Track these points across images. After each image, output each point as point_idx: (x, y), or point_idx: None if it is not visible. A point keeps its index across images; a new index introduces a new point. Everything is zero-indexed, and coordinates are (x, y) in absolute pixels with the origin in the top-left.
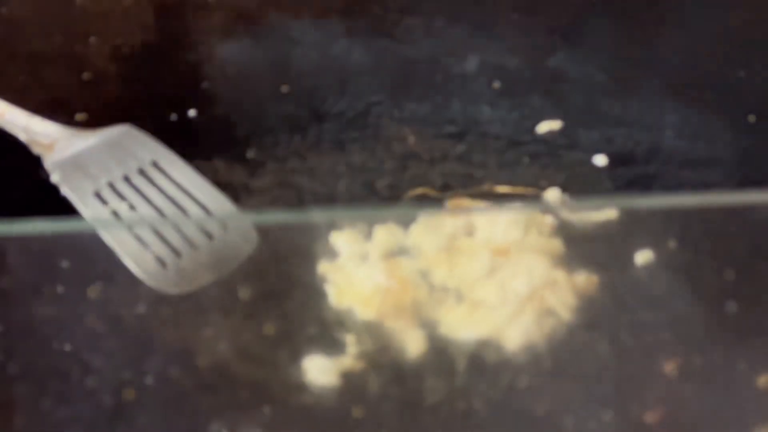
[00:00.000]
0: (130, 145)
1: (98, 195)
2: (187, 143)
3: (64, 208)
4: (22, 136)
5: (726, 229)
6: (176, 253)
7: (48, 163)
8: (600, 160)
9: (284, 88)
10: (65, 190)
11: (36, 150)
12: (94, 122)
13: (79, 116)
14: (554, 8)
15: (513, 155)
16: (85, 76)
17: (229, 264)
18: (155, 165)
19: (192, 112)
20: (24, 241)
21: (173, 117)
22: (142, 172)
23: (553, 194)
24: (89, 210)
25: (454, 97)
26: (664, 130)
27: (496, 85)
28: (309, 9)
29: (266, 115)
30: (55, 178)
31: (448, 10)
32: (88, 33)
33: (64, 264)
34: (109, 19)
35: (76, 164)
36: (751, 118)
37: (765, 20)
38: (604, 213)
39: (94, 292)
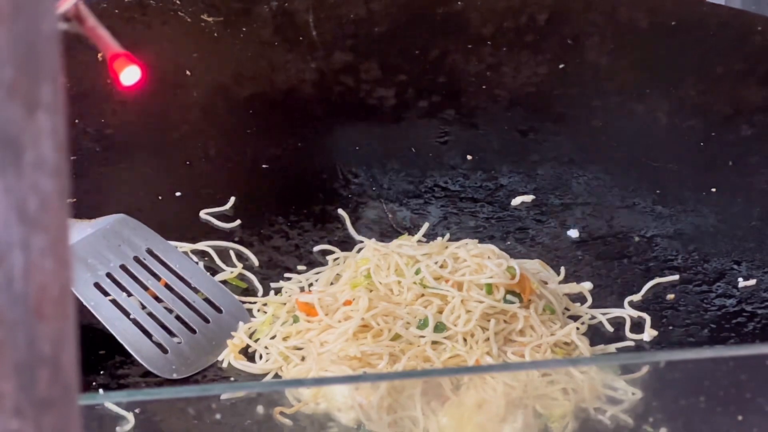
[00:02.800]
0: (125, 233)
1: (98, 286)
2: (175, 223)
3: None
4: None
5: None
6: (175, 338)
7: None
8: (573, 233)
9: (264, 165)
10: None
11: None
12: (84, 205)
13: (69, 200)
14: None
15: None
16: (71, 158)
17: (225, 346)
18: (150, 252)
19: (178, 193)
20: None
21: (159, 197)
22: (138, 260)
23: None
24: (91, 301)
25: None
26: (629, 202)
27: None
28: (283, 81)
29: (249, 195)
30: None
31: (419, 82)
32: (72, 114)
33: None
34: (91, 98)
35: (75, 256)
36: (713, 190)
37: (720, 94)
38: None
39: None
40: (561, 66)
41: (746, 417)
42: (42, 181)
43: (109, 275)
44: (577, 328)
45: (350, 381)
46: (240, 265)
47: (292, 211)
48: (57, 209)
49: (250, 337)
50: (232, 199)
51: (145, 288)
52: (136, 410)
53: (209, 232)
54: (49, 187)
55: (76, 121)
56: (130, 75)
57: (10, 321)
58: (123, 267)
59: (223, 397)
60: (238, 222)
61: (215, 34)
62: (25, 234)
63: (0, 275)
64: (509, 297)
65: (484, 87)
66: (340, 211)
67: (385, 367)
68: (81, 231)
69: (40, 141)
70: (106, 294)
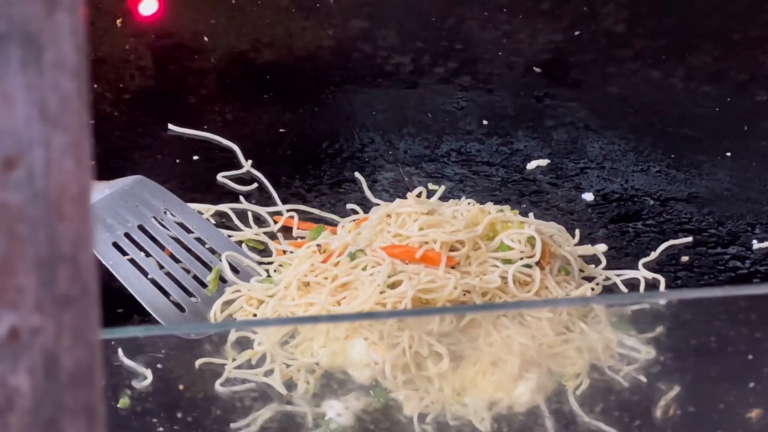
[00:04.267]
0: (143, 194)
1: (116, 245)
2: (193, 186)
3: None
4: None
5: None
6: (192, 297)
7: None
8: (588, 196)
9: (281, 129)
10: None
11: None
12: (102, 168)
13: None
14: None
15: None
16: (90, 122)
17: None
18: (167, 213)
19: (196, 156)
20: None
21: (177, 161)
22: (155, 221)
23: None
24: (110, 260)
25: (445, 135)
26: (645, 166)
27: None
28: (300, 48)
29: (266, 159)
30: None
31: (436, 49)
32: (90, 79)
33: None
34: (109, 64)
35: (93, 216)
36: (728, 155)
37: (737, 60)
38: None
39: None
40: (577, 33)
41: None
42: (62, 81)
43: (127, 235)
44: (592, 289)
45: (354, 318)
46: (256, 227)
47: (309, 174)
48: (77, 110)
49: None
50: (249, 162)
51: (163, 248)
52: (158, 366)
53: (226, 194)
54: (70, 87)
55: (95, 86)
56: (147, 6)
57: (31, 217)
58: (141, 227)
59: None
60: (254, 185)
61: (233, 1)
62: (46, 132)
63: (22, 171)
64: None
65: (500, 54)
66: (357, 174)
67: (394, 324)
68: (99, 192)
69: (60, 40)
70: (124, 253)
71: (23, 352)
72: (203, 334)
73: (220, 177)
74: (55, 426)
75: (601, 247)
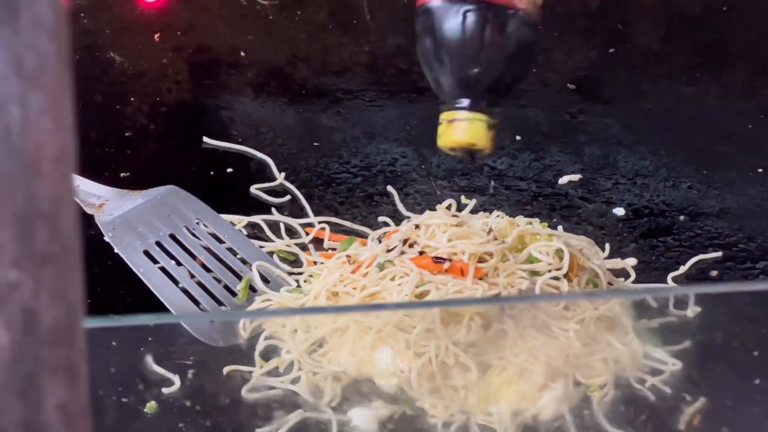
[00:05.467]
0: (175, 204)
1: (147, 253)
2: (226, 198)
3: (117, 264)
4: (75, 197)
5: None
6: (222, 306)
7: (100, 222)
8: (618, 210)
9: (315, 143)
10: (118, 249)
11: (87, 209)
12: (137, 179)
13: (123, 174)
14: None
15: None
16: (127, 134)
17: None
18: (199, 223)
19: (230, 169)
20: None
21: (212, 173)
22: (186, 230)
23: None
24: (140, 268)
25: None
26: (676, 181)
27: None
28: (336, 63)
29: (300, 171)
30: (108, 237)
31: None
32: (128, 92)
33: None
34: (147, 77)
35: (125, 224)
36: (759, 171)
37: None
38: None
39: None
40: (611, 50)
41: None
42: (40, 41)
43: (158, 244)
44: (621, 303)
45: (362, 309)
46: (288, 238)
47: (341, 187)
48: (56, 72)
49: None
50: (282, 175)
51: (194, 257)
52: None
53: (259, 206)
54: (47, 48)
55: (132, 99)
56: None
57: (7, 173)
58: (172, 236)
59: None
60: (287, 197)
61: (270, 18)
62: (23, 90)
63: None
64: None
65: (534, 70)
66: (389, 187)
67: (422, 334)
68: (132, 201)
69: (37, 1)
70: (155, 261)
71: (0, 306)
72: (232, 341)
73: (254, 189)
74: (33, 382)
75: (631, 261)
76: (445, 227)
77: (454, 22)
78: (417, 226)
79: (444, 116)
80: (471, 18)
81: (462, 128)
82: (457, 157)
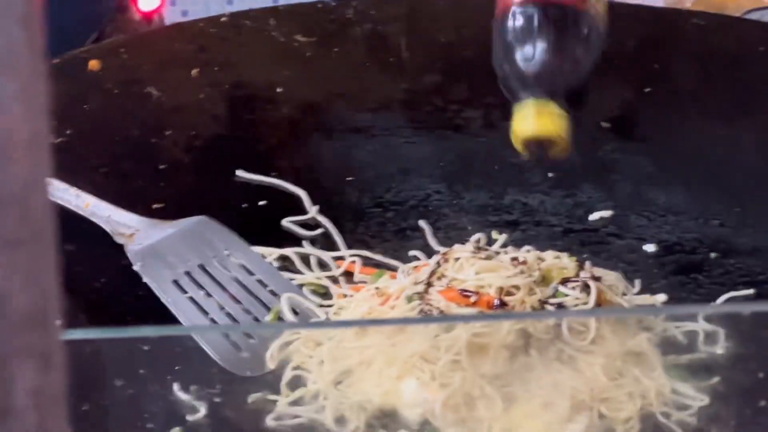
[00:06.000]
0: (206, 234)
1: (176, 283)
2: (258, 231)
3: (145, 293)
4: (106, 226)
5: None
6: (251, 339)
7: (130, 252)
8: (650, 247)
9: (349, 178)
10: (146, 279)
11: (118, 239)
12: (170, 211)
13: (156, 205)
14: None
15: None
16: (161, 167)
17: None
18: (229, 254)
19: (262, 202)
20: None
21: (244, 206)
22: (216, 261)
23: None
24: (169, 297)
25: (510, 187)
26: (708, 219)
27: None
28: (373, 100)
29: (332, 205)
30: (137, 267)
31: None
32: (164, 126)
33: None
34: (183, 112)
35: (155, 253)
36: None
37: None
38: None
39: None
40: (647, 90)
41: None
42: (9, 27)
43: (188, 274)
44: (649, 339)
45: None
46: (319, 271)
47: (373, 221)
48: (28, 59)
49: None
50: (315, 208)
51: (223, 288)
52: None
53: (291, 239)
54: (18, 35)
55: (167, 132)
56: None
57: None
58: (202, 267)
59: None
60: (319, 231)
61: (307, 54)
62: None
63: None
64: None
65: (569, 109)
66: (421, 222)
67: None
68: (162, 231)
69: None
70: (184, 291)
71: None
72: (259, 371)
73: (285, 222)
74: (4, 365)
75: (661, 298)
76: (474, 260)
77: (540, 20)
78: (446, 260)
79: (523, 109)
80: (553, 15)
81: (544, 120)
82: (526, 156)
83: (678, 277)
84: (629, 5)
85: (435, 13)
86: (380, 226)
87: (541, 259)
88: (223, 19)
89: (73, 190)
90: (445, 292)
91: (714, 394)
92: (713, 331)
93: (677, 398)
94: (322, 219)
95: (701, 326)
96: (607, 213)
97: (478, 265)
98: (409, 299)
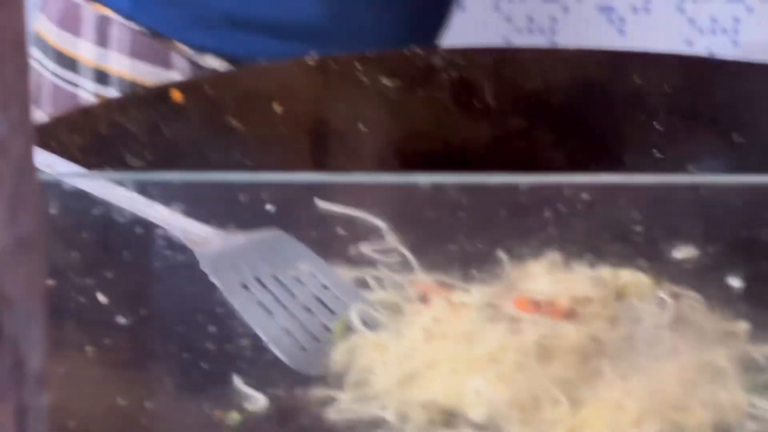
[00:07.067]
0: (279, 246)
1: (244, 286)
2: (334, 254)
3: (216, 299)
4: (180, 234)
5: None
6: (316, 338)
7: (199, 255)
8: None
9: (430, 213)
10: (213, 279)
11: (191, 246)
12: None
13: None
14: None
15: None
16: (242, 198)
17: None
18: (302, 266)
19: (341, 231)
20: None
21: (322, 233)
22: (287, 271)
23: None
24: (236, 298)
25: None
26: None
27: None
28: (455, 142)
29: (412, 237)
30: (205, 267)
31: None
32: (245, 159)
33: None
34: (264, 145)
35: (225, 258)
36: None
37: None
38: None
39: None
40: (735, 138)
41: None
42: None
43: (257, 279)
44: (728, 355)
45: None
46: (393, 291)
47: (451, 251)
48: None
49: None
50: (394, 238)
51: (293, 295)
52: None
53: (367, 263)
54: None
55: (248, 164)
56: None
57: None
58: (272, 275)
59: None
60: (397, 258)
61: (391, 97)
62: None
63: None
64: None
65: (654, 151)
66: (499, 252)
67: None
68: (234, 240)
69: None
70: (251, 294)
71: None
72: (323, 371)
73: (363, 248)
74: None
75: (743, 326)
76: (548, 272)
77: None
78: (521, 270)
79: None
80: None
81: None
82: None
83: (763, 309)
84: None
85: (522, 63)
86: (458, 254)
87: (618, 276)
88: (309, 61)
89: (151, 203)
90: (518, 300)
91: None
92: None
93: (754, 411)
94: (399, 246)
95: None
96: (690, 250)
97: (552, 276)
98: (480, 308)
